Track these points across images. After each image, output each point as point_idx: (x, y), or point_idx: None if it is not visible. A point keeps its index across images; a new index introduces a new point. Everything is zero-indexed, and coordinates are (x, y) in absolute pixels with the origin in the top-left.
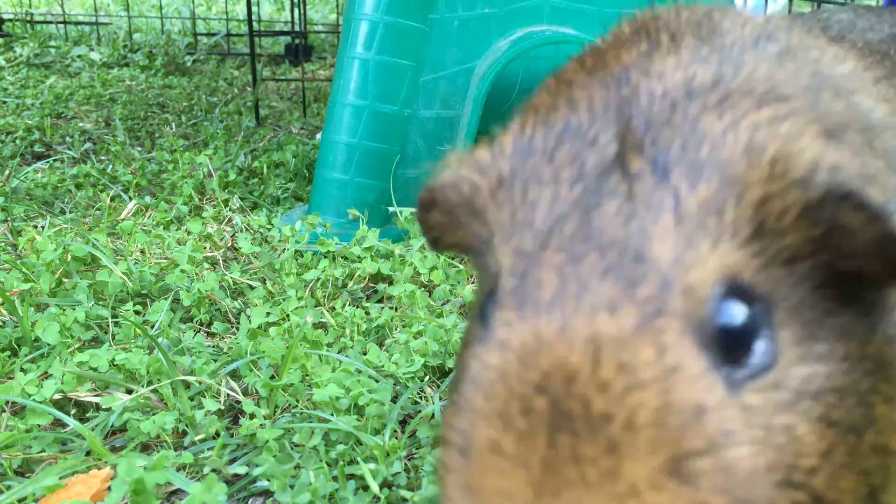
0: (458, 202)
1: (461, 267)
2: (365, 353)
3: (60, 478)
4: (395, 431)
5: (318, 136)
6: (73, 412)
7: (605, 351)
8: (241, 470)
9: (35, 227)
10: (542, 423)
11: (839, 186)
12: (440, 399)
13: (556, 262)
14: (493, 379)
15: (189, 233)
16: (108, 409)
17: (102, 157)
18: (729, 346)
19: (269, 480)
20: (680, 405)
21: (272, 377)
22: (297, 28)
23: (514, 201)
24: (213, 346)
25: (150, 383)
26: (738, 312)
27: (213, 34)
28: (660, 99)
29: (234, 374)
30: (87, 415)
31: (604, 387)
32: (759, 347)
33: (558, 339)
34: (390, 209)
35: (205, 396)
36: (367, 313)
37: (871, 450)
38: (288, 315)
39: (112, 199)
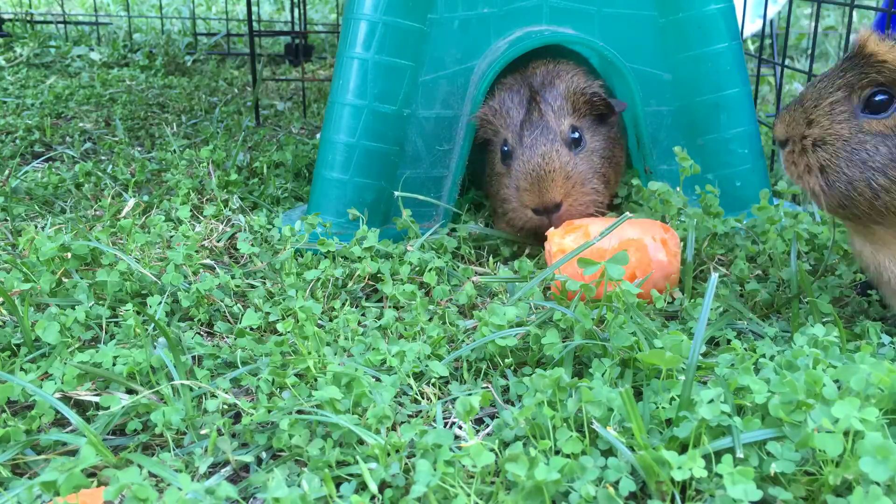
0: (484, 118)
1: (462, 266)
2: (365, 353)
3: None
4: (396, 431)
5: (318, 135)
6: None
7: (545, 162)
8: (249, 458)
9: (35, 226)
10: (535, 184)
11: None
12: (439, 399)
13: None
14: (518, 173)
15: (187, 236)
16: (108, 409)
17: (102, 157)
18: (573, 143)
19: (269, 480)
20: (563, 168)
21: (273, 377)
22: (297, 28)
23: (504, 116)
24: (214, 346)
25: (149, 384)
26: (574, 133)
27: (213, 34)
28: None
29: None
30: (88, 414)
31: (550, 172)
32: (583, 141)
33: (533, 162)
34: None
35: (205, 396)
36: (365, 315)
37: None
38: (288, 314)
39: (112, 198)
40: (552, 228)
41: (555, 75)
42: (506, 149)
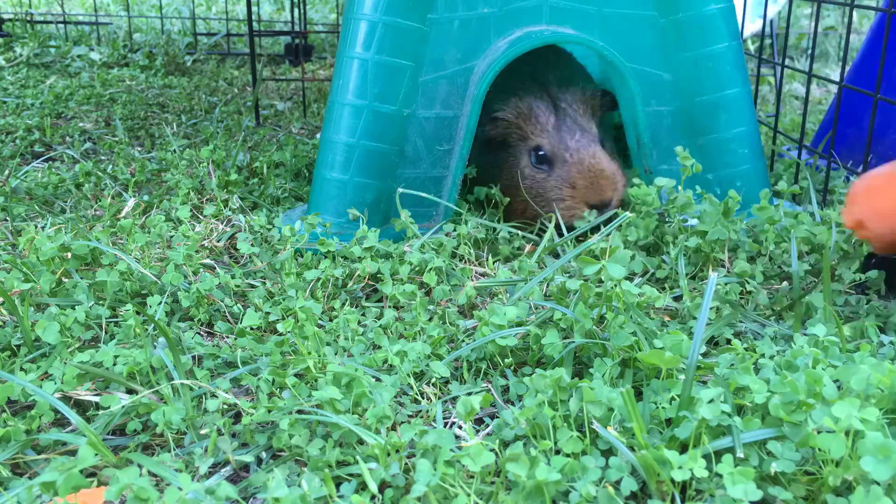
0: (508, 120)
1: (462, 266)
2: (365, 353)
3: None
4: (396, 431)
5: (318, 135)
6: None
7: (597, 162)
8: (249, 458)
9: (35, 226)
10: (594, 182)
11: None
12: (439, 399)
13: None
14: (573, 173)
15: (187, 236)
16: (108, 409)
17: (102, 157)
18: (600, 143)
19: (269, 480)
20: (613, 169)
21: (273, 377)
22: (297, 28)
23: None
24: (214, 346)
25: (149, 384)
26: (598, 133)
27: (213, 34)
28: None
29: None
30: (88, 414)
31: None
32: (602, 139)
33: (586, 162)
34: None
35: (205, 396)
36: (365, 315)
37: None
38: (288, 314)
39: (112, 198)
40: None
41: (565, 77)
42: (542, 153)
